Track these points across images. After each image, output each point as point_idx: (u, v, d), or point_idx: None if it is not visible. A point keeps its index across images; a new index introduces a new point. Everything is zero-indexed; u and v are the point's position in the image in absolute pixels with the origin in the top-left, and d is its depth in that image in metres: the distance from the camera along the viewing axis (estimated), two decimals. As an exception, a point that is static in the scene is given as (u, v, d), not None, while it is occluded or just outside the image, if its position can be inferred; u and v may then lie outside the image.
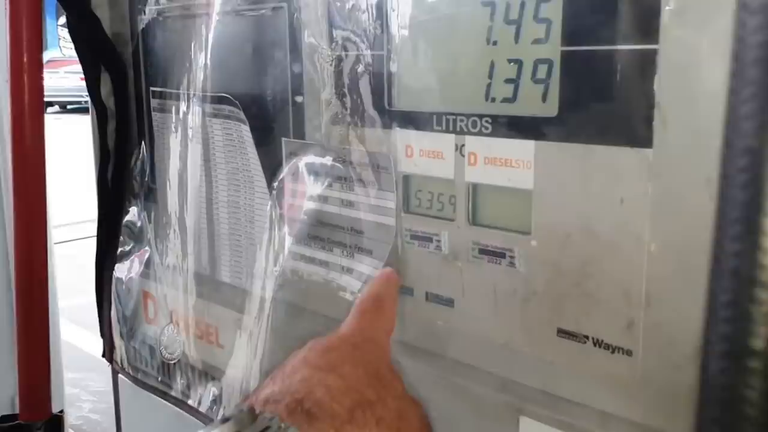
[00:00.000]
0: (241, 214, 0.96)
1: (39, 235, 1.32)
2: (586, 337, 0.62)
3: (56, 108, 14.03)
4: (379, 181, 0.77)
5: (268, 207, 0.90)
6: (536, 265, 0.65)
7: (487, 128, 0.66)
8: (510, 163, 0.64)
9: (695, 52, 0.51)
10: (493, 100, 0.65)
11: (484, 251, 0.69)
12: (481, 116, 0.66)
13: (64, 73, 12.25)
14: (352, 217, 0.80)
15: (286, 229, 0.88)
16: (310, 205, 0.85)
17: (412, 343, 0.76)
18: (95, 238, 1.15)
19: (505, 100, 0.64)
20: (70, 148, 5.31)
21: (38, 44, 1.29)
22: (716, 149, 0.50)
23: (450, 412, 0.72)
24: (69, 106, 13.82)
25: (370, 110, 0.75)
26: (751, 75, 0.33)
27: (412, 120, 0.72)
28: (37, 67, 1.29)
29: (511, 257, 0.66)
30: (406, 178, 0.75)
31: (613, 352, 0.61)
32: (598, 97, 0.57)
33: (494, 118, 0.65)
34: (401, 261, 0.76)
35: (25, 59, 1.26)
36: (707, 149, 0.51)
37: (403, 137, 0.73)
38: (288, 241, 0.88)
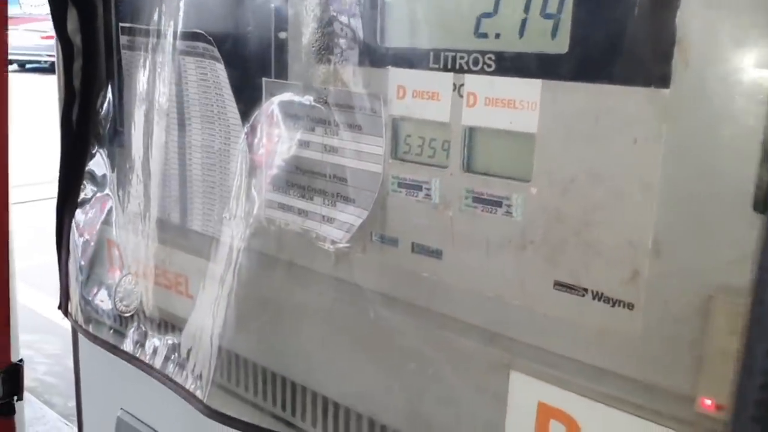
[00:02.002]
0: (216, 159, 0.90)
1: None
2: (585, 289, 0.59)
3: (15, 66, 13.56)
4: (366, 125, 0.72)
5: (244, 151, 0.85)
6: (535, 214, 0.61)
7: (489, 66, 0.61)
8: (513, 104, 0.60)
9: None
10: (498, 35, 0.61)
11: (478, 200, 0.65)
12: (483, 53, 0.61)
13: (23, 30, 11.83)
14: (335, 163, 0.76)
15: (262, 175, 0.83)
16: (289, 150, 0.80)
17: (396, 295, 0.72)
18: (56, 184, 1.08)
19: (511, 35, 0.60)
20: (29, 108, 5.13)
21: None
22: (745, 88, 0.47)
23: (437, 366, 0.68)
24: (28, 66, 13.39)
25: (360, 47, 0.71)
26: None
27: (406, 57, 0.67)
28: (2, 23, 1.22)
29: (508, 206, 0.63)
30: (396, 122, 0.70)
31: (613, 305, 0.57)
32: (614, 33, 0.53)
33: (498, 55, 0.61)
34: (386, 210, 0.72)
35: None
36: (734, 89, 0.48)
37: (395, 76, 0.69)
38: (264, 188, 0.83)
